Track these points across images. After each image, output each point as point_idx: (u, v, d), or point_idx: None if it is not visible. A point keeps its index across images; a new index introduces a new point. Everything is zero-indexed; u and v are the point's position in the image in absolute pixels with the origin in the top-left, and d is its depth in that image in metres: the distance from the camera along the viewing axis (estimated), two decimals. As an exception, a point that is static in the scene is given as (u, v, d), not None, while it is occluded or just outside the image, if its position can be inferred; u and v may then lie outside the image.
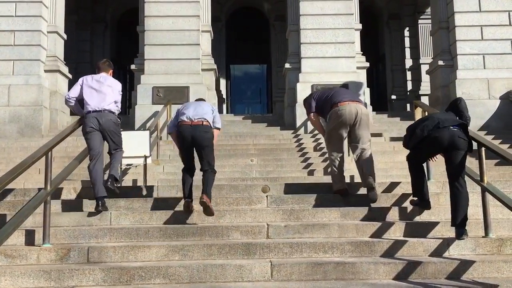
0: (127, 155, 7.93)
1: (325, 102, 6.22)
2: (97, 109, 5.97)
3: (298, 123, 11.90)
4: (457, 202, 4.96)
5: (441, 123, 5.06)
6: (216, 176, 6.92)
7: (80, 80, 6.23)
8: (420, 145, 5.27)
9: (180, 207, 5.88)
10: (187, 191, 5.78)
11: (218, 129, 6.33)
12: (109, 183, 5.74)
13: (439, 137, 5.05)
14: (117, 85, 6.27)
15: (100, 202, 5.62)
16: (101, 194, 5.68)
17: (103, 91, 6.05)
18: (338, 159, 6.24)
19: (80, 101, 6.14)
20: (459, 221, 4.87)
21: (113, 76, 6.49)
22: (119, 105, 6.33)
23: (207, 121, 6.02)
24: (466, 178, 5.46)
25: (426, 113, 6.84)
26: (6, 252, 4.51)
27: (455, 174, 5.05)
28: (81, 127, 6.10)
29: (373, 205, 5.85)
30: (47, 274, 4.11)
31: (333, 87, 6.61)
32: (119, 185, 6.07)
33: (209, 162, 5.90)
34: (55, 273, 4.12)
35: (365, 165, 6.02)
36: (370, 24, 18.09)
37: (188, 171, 5.94)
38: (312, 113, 6.41)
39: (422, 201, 5.55)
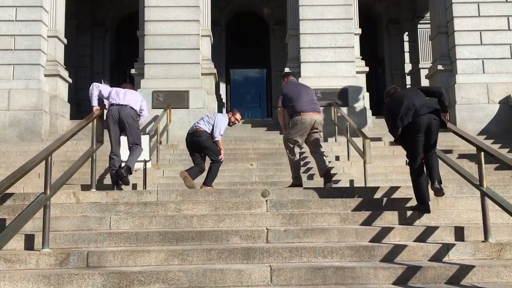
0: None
1: (289, 104, 7.34)
2: (120, 103, 7.22)
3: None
4: (432, 167, 5.73)
5: (419, 111, 5.67)
6: (215, 180, 7.77)
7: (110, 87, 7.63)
8: (406, 134, 5.76)
9: (179, 211, 5.89)
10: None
11: (217, 140, 7.89)
12: (123, 170, 6.94)
13: (418, 121, 5.66)
14: (140, 96, 7.65)
15: (116, 187, 6.99)
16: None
17: (128, 94, 7.39)
18: (298, 155, 7.39)
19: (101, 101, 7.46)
20: (438, 180, 5.66)
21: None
22: (145, 113, 7.68)
23: (201, 128, 7.85)
24: (466, 182, 5.73)
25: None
26: (5, 256, 4.51)
27: (431, 149, 5.80)
28: (82, 131, 6.74)
29: (372, 209, 5.86)
30: (46, 278, 4.10)
31: (297, 88, 7.51)
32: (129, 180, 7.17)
33: (211, 156, 7.79)
34: (54, 277, 4.11)
35: (320, 163, 7.35)
36: (370, 29, 18.13)
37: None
38: (279, 108, 7.54)
39: (422, 205, 5.65)
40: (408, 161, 5.91)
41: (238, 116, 8.23)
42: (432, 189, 5.69)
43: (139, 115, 7.55)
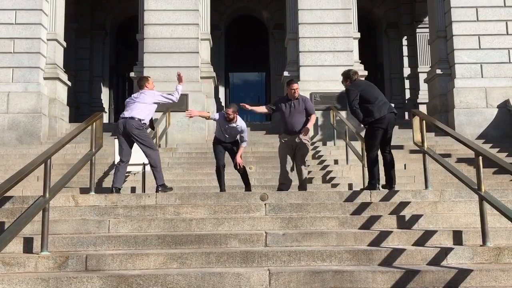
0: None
1: (282, 119, 7.92)
2: (125, 116, 7.37)
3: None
4: (389, 166, 6.82)
5: (389, 108, 6.77)
6: (214, 184, 7.87)
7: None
8: (373, 125, 6.73)
9: (178, 214, 5.89)
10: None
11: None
12: (160, 190, 7.20)
13: (387, 117, 6.74)
14: (151, 96, 7.53)
15: (114, 189, 7.13)
16: (118, 185, 7.22)
17: (137, 103, 7.45)
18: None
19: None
20: (391, 179, 6.74)
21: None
22: (166, 98, 7.64)
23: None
24: (464, 186, 5.72)
25: (424, 122, 6.87)
26: (4, 259, 4.51)
27: (388, 145, 6.91)
28: (81, 134, 6.80)
29: (371, 213, 5.87)
30: (45, 282, 4.10)
31: (289, 107, 7.83)
32: (169, 188, 7.39)
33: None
34: (53, 281, 4.11)
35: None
36: (369, 33, 18.20)
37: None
38: (266, 107, 8.30)
39: (370, 184, 6.87)
40: (366, 149, 7.06)
41: (227, 110, 8.06)
42: (386, 188, 6.74)
43: (142, 120, 7.43)
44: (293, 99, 7.85)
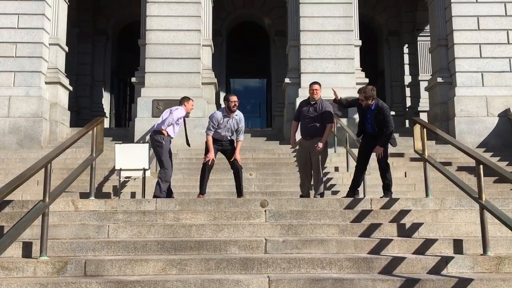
0: (126, 168, 7.97)
1: (300, 122, 7.95)
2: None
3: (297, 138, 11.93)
4: (386, 175, 7.26)
5: None
6: (214, 190, 7.74)
7: None
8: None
9: (178, 220, 5.88)
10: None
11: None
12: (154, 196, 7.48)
13: None
14: (170, 110, 7.95)
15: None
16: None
17: (163, 116, 7.95)
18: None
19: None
20: (389, 185, 7.30)
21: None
22: (169, 124, 7.76)
23: None
24: (465, 195, 5.71)
25: (425, 130, 6.88)
26: (3, 264, 4.49)
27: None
28: (81, 138, 6.80)
29: (371, 221, 5.86)
30: (43, 287, 4.09)
31: (307, 110, 7.86)
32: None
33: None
34: (52, 286, 4.10)
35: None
36: (370, 41, 18.21)
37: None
38: (294, 121, 8.20)
39: (352, 191, 7.37)
40: (386, 159, 7.29)
41: (232, 97, 7.67)
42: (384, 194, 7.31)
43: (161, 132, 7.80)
44: (312, 101, 7.85)
